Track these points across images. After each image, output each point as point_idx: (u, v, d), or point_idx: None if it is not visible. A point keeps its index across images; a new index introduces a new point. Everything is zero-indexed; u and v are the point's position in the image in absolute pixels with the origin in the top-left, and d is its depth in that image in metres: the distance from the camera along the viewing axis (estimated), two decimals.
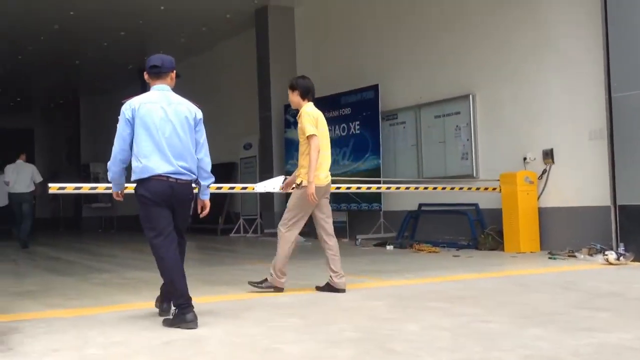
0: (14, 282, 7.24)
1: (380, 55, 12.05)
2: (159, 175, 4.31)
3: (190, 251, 12.65)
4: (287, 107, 13.77)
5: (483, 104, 10.17)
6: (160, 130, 4.37)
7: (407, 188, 9.69)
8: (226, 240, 13.65)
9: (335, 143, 12.54)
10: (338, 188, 10.06)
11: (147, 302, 5.01)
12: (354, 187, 9.80)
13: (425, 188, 9.56)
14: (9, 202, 12.82)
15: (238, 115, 16.22)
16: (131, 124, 4.42)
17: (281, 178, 8.41)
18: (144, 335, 4.01)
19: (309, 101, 5.99)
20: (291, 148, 13.62)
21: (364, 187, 9.71)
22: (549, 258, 8.06)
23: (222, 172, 16.42)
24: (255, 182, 14.85)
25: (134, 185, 4.42)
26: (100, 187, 7.75)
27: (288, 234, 5.82)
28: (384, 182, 11.18)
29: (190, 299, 4.34)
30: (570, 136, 8.95)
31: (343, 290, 5.66)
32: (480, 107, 10.20)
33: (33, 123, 29.67)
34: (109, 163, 4.50)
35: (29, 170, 12.68)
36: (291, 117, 13.67)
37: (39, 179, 12.65)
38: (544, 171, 9.17)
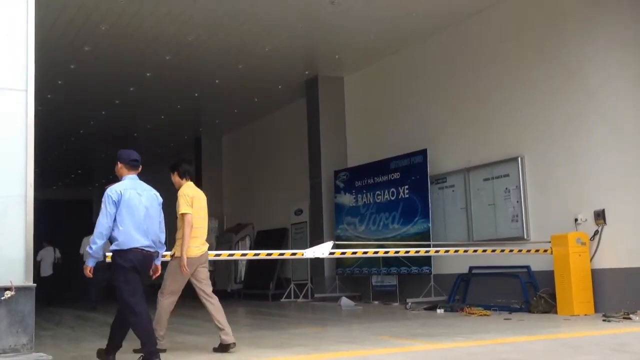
0: (71, 347, 7.45)
1: (428, 119, 12.24)
2: (137, 248, 5.34)
3: (241, 316, 12.77)
4: (337, 172, 14.04)
5: (532, 165, 10.19)
6: (138, 212, 5.42)
7: (457, 251, 9.68)
8: (277, 305, 13.72)
9: (385, 207, 12.70)
10: (387, 252, 10.13)
11: None
12: (402, 251, 9.83)
13: (475, 251, 9.53)
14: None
15: (289, 182, 16.53)
16: (116, 205, 5.37)
17: (330, 244, 8.55)
18: None
19: (187, 181, 6.67)
20: (341, 213, 13.78)
21: (412, 251, 9.75)
22: (603, 320, 7.89)
23: (274, 237, 16.69)
24: (305, 247, 15.00)
25: (111, 254, 5.37)
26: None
27: (165, 302, 6.35)
28: (434, 246, 11.19)
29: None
30: (621, 196, 8.87)
31: (233, 345, 6.14)
32: (529, 168, 10.21)
33: (92, 194, 30.70)
34: (92, 237, 5.29)
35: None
36: (341, 183, 13.89)
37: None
38: (596, 232, 9.07)
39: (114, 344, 5.65)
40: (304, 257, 9.09)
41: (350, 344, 6.62)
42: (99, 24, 11.02)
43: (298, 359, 5.65)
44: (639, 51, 8.59)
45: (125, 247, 5.29)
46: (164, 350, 6.07)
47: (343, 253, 9.08)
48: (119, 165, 5.78)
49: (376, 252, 8.95)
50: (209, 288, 6.41)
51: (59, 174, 25.45)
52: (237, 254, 10.07)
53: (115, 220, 5.31)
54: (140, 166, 5.82)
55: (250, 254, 8.15)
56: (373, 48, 12.82)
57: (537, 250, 9.32)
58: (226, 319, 6.28)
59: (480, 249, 9.60)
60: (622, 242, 8.82)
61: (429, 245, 11.18)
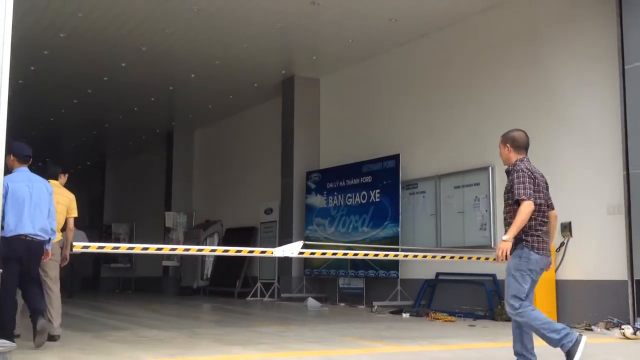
0: (32, 336, 7.34)
1: (402, 125, 12.32)
2: (21, 235, 5.80)
3: (206, 313, 12.72)
4: (309, 174, 14.05)
5: (502, 175, 10.25)
6: (24, 202, 5.85)
7: (425, 256, 9.72)
8: (243, 304, 13.68)
9: (355, 210, 12.74)
10: (356, 254, 10.16)
11: (162, 359, 5.08)
12: (371, 254, 9.88)
13: (443, 257, 9.58)
14: None
15: (260, 181, 16.49)
16: (4, 197, 5.59)
17: (300, 243, 8.54)
18: None
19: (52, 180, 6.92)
20: (312, 214, 13.79)
21: (381, 254, 9.80)
22: None
23: (242, 236, 16.64)
24: (274, 246, 14.99)
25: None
26: (123, 247, 7.89)
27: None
28: (402, 250, 11.24)
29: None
30: (588, 210, 9.01)
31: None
32: (500, 179, 10.32)
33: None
34: None
35: None
36: (313, 184, 13.91)
37: None
38: (562, 244, 9.20)
39: (7, 328, 5.68)
40: (273, 255, 9.06)
41: (315, 343, 6.63)
42: (76, 11, 10.88)
43: (263, 356, 5.64)
44: (608, 67, 8.74)
45: (9, 235, 5.72)
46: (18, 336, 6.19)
47: (312, 253, 9.06)
48: (12, 158, 6.07)
49: (345, 254, 8.96)
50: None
51: None
52: (206, 250, 9.95)
53: (3, 210, 5.59)
54: (31, 159, 6.30)
55: (220, 250, 8.07)
56: (350, 51, 12.85)
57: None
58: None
59: (447, 255, 9.64)
60: (587, 254, 8.96)
61: (397, 249, 11.25)
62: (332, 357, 5.76)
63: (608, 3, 8.79)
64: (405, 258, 10.55)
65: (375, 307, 11.05)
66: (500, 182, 10.26)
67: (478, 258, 9.53)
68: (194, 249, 8.37)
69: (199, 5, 10.67)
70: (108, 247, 7.24)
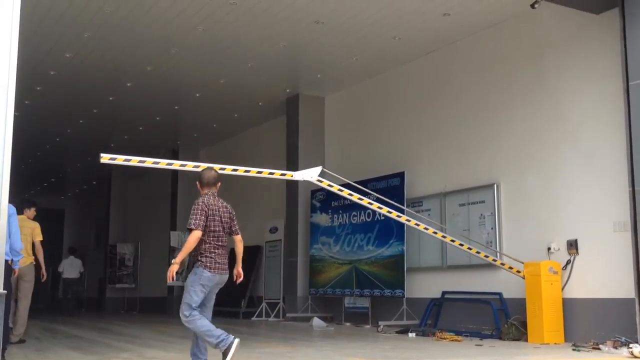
0: (37, 358, 7.32)
1: (407, 143, 12.32)
2: None
3: None
4: (314, 192, 14.03)
5: (507, 193, 10.28)
6: None
7: (435, 232, 9.58)
8: (248, 324, 13.61)
9: (360, 228, 12.71)
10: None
11: None
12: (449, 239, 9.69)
13: (453, 241, 9.51)
14: None
15: (265, 199, 16.49)
16: None
17: (319, 168, 8.66)
18: None
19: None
20: (317, 232, 13.75)
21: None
22: (573, 350, 7.93)
23: (247, 255, 16.58)
24: (279, 266, 14.99)
25: None
26: (162, 162, 8.03)
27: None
28: (408, 269, 11.24)
29: None
30: (594, 228, 8.97)
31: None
32: (505, 196, 10.30)
33: (64, 203, 30.34)
34: None
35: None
36: (317, 203, 13.89)
37: None
38: (568, 262, 9.15)
39: None
40: (293, 178, 9.11)
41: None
42: (82, 32, 10.96)
43: None
44: (613, 84, 8.73)
45: None
46: None
47: (330, 185, 9.12)
48: None
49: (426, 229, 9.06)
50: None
51: (32, 181, 25.14)
52: (215, 168, 10.25)
53: None
54: None
55: (228, 169, 8.20)
56: (355, 69, 12.90)
57: (510, 267, 9.33)
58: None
59: (456, 240, 9.48)
60: (593, 272, 8.91)
61: (402, 269, 11.25)
62: None
63: (611, 20, 8.81)
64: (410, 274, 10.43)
65: (381, 326, 10.98)
66: (505, 199, 10.25)
67: (486, 255, 9.48)
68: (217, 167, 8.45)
69: (203, 26, 10.74)
70: (148, 162, 7.90)
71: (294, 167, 14.57)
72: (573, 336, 8.75)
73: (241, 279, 6.02)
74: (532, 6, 8.79)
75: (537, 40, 10.06)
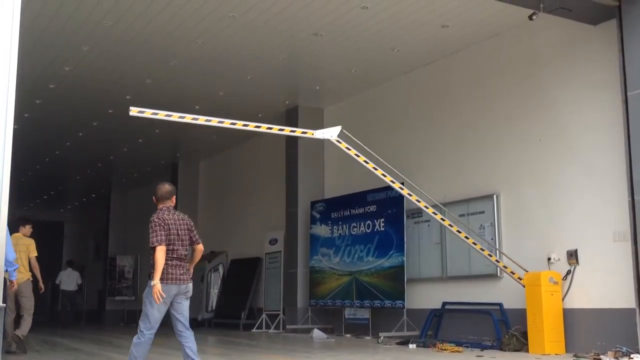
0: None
1: (406, 153, 12.32)
2: None
3: (210, 345, 12.63)
4: (314, 203, 14.03)
5: (507, 204, 10.28)
6: None
7: (435, 213, 9.62)
8: (248, 335, 13.57)
9: (360, 239, 12.69)
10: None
11: None
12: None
13: (450, 224, 9.47)
14: None
15: (265, 211, 16.48)
16: None
17: (338, 128, 8.82)
18: None
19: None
20: (316, 244, 13.74)
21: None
22: None
23: (247, 266, 16.59)
24: (279, 278, 14.97)
25: None
26: (188, 117, 8.46)
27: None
28: (408, 280, 11.22)
29: None
30: (594, 238, 8.96)
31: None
32: (505, 207, 10.30)
33: (64, 216, 30.32)
34: None
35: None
36: (317, 214, 13.89)
37: None
38: (569, 272, 9.14)
39: None
40: (314, 137, 9.25)
41: None
42: (82, 45, 10.99)
43: None
44: (611, 95, 8.76)
45: None
46: None
47: (348, 149, 9.30)
48: None
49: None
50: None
51: (32, 194, 25.14)
52: (226, 121, 11.19)
53: None
54: None
55: (252, 126, 8.96)
56: (354, 81, 12.94)
57: (513, 272, 9.32)
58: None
59: (456, 229, 9.56)
60: (594, 282, 8.89)
61: (403, 280, 11.23)
62: None
63: (609, 31, 8.85)
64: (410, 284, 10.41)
65: (382, 337, 10.95)
66: (505, 209, 10.25)
67: (490, 254, 9.44)
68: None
69: (203, 38, 10.78)
70: (175, 116, 8.32)
71: (293, 178, 14.60)
72: (574, 346, 8.73)
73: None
74: (530, 18, 8.82)
75: (535, 51, 10.10)
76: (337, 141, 8.82)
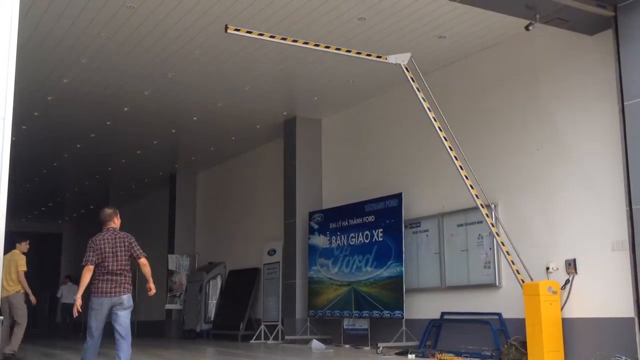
0: None
1: (404, 164, 12.35)
2: None
3: (209, 356, 12.59)
4: (312, 214, 14.03)
5: (505, 213, 10.29)
6: None
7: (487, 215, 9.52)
8: (246, 347, 13.53)
9: (358, 250, 12.69)
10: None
11: None
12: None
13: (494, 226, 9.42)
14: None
15: (263, 222, 16.47)
16: None
17: (408, 55, 9.30)
18: None
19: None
20: (315, 254, 13.73)
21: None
22: None
23: (246, 277, 16.56)
24: (278, 289, 14.94)
25: None
26: (278, 37, 8.54)
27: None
28: (407, 290, 11.20)
29: None
30: (592, 247, 8.96)
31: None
32: (503, 216, 10.30)
33: (62, 227, 30.28)
34: None
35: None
36: (315, 224, 13.88)
37: None
38: (567, 281, 9.13)
39: None
40: (387, 61, 9.36)
41: None
42: (79, 57, 11.02)
43: None
44: (609, 104, 8.79)
45: None
46: None
47: (412, 80, 9.51)
48: None
49: None
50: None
51: (29, 206, 25.12)
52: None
53: None
54: None
55: None
56: (352, 92, 12.97)
57: (517, 273, 9.29)
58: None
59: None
60: (593, 291, 8.89)
61: (401, 290, 11.21)
62: None
63: (605, 41, 8.89)
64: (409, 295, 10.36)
65: (381, 348, 10.93)
66: (504, 219, 10.25)
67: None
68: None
69: (201, 50, 10.81)
70: (277, 37, 8.49)
71: (291, 189, 14.60)
72: (573, 356, 8.71)
73: (151, 292, 7.09)
74: (527, 28, 8.86)
75: (532, 61, 10.14)
76: (406, 69, 9.00)
